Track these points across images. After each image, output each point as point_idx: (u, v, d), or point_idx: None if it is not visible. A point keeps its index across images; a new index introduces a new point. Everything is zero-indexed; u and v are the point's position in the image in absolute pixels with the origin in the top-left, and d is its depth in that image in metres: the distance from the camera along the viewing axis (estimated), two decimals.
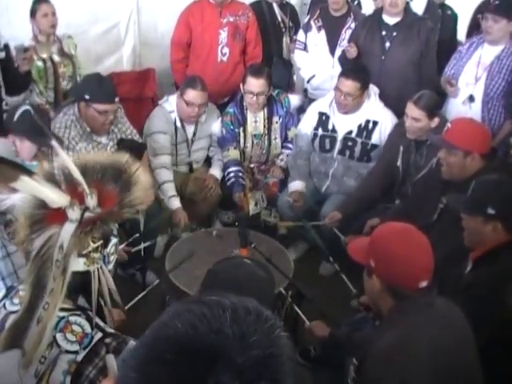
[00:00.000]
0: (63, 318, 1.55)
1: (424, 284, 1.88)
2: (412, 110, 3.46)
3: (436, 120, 3.42)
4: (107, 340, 1.55)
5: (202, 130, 4.12)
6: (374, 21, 4.24)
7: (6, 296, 1.65)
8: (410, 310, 1.87)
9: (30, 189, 1.51)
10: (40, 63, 3.86)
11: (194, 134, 4.09)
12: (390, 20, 4.17)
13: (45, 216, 1.53)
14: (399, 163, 3.60)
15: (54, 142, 1.54)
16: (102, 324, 1.60)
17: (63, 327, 1.54)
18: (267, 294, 1.81)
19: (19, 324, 1.51)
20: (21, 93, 3.79)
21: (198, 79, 3.93)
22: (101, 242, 1.59)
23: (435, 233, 2.60)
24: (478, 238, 2.43)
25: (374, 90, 4.01)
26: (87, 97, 3.36)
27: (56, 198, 1.52)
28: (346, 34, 4.42)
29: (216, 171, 4.16)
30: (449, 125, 3.04)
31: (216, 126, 4.18)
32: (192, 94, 3.87)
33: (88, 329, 1.56)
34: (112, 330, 1.60)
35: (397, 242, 1.93)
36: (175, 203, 3.84)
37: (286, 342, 0.86)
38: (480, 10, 4.17)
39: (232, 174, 4.05)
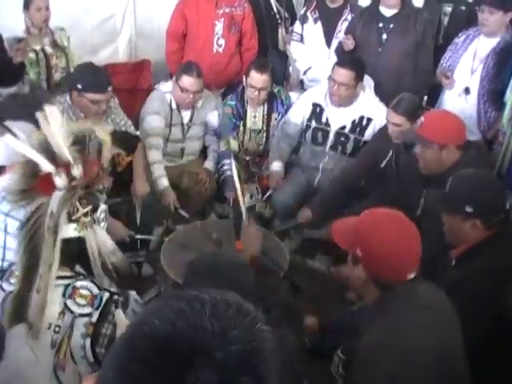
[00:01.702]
0: (69, 284, 1.62)
1: (412, 275, 1.83)
2: (392, 117, 3.41)
3: (419, 122, 3.32)
4: (115, 297, 1.63)
5: (199, 116, 4.07)
6: (370, 13, 4.24)
7: (1, 278, 1.69)
8: (396, 301, 1.81)
9: (23, 151, 1.59)
10: (32, 55, 3.83)
11: (191, 119, 4.05)
12: (386, 12, 4.16)
13: (34, 185, 1.60)
14: (383, 165, 3.54)
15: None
16: (103, 284, 1.67)
17: (71, 293, 1.61)
18: (248, 280, 1.79)
19: (19, 296, 1.56)
20: (14, 84, 3.74)
21: (193, 65, 3.89)
22: (90, 207, 1.65)
23: (419, 227, 2.60)
24: (458, 236, 2.43)
25: (369, 82, 3.99)
26: (80, 86, 3.33)
27: (43, 162, 1.59)
28: (342, 25, 4.39)
29: (210, 164, 4.13)
30: (422, 119, 3.00)
31: (213, 117, 4.15)
32: (187, 81, 3.83)
33: (96, 290, 1.63)
34: (115, 290, 1.67)
35: (387, 232, 1.83)
36: (163, 182, 3.81)
37: (268, 335, 0.85)
38: (477, 3, 4.15)
39: (226, 167, 3.99)
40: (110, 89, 3.37)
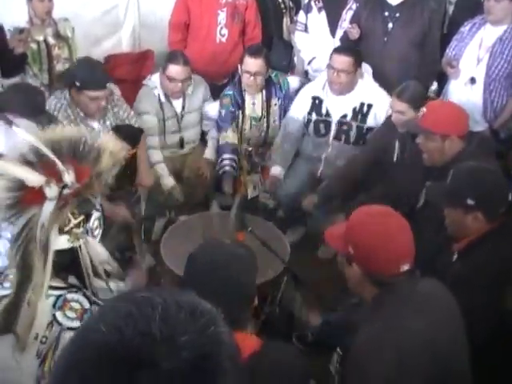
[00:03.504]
0: (60, 296, 1.57)
1: (406, 267, 1.80)
2: (396, 104, 3.39)
3: (420, 112, 3.28)
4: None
5: (191, 103, 4.05)
6: (376, 1, 4.16)
7: None
8: (394, 299, 1.80)
9: (3, 169, 1.51)
10: (34, 45, 3.84)
11: (183, 107, 4.03)
12: (392, 0, 4.08)
13: (22, 198, 1.52)
14: (395, 159, 3.50)
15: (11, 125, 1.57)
16: (97, 300, 1.61)
17: (62, 305, 1.56)
18: (249, 269, 1.78)
19: (10, 308, 1.51)
20: (16, 75, 3.78)
21: (179, 54, 3.88)
22: (82, 217, 1.60)
23: (422, 219, 2.58)
24: (460, 228, 2.40)
25: (366, 68, 3.95)
26: (78, 83, 3.32)
27: (31, 177, 1.51)
28: (347, 14, 4.32)
29: (210, 153, 4.12)
30: (424, 110, 2.97)
31: (212, 108, 4.13)
32: (174, 69, 3.81)
33: (87, 304, 1.58)
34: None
35: (374, 225, 1.84)
36: (168, 182, 3.85)
37: (225, 338, 0.78)
38: None
39: (226, 162, 3.96)
40: (108, 85, 3.37)
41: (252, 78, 3.92)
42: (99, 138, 1.63)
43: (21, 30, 3.60)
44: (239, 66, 3.98)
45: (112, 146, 1.61)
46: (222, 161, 3.99)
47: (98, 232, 1.68)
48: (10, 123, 2.67)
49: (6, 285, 1.60)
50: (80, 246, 1.59)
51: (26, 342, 1.48)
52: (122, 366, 0.72)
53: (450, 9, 4.45)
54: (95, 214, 1.65)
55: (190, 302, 0.79)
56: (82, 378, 0.72)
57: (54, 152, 1.53)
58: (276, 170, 3.93)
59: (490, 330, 2.17)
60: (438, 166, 2.92)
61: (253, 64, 3.88)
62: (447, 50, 4.00)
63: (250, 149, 4.08)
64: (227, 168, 3.94)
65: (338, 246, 1.95)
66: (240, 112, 4.08)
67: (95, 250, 1.64)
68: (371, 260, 1.82)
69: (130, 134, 3.39)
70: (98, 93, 3.33)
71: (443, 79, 4.23)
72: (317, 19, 4.45)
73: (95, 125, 3.50)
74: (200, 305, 0.80)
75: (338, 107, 3.88)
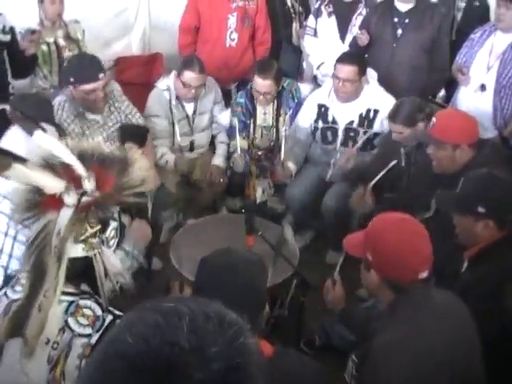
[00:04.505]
0: (73, 302, 1.57)
1: (424, 275, 1.83)
2: (391, 126, 3.38)
3: (421, 125, 3.25)
4: (118, 322, 1.51)
5: (202, 105, 4.03)
6: (385, 7, 4.18)
7: (6, 284, 1.66)
8: (410, 304, 1.82)
9: (23, 176, 1.52)
10: (44, 47, 3.84)
11: (195, 111, 4.02)
12: (402, 6, 4.10)
13: (40, 202, 1.53)
14: (403, 164, 3.46)
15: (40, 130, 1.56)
16: (109, 307, 1.61)
17: (74, 311, 1.55)
18: (262, 275, 1.79)
19: (20, 312, 1.51)
20: (27, 76, 3.79)
21: (195, 60, 3.85)
22: (99, 227, 1.59)
23: (432, 228, 2.57)
24: (470, 236, 2.38)
25: (371, 73, 3.94)
26: (72, 79, 3.32)
27: (50, 184, 1.51)
28: (356, 20, 4.33)
29: (220, 160, 4.09)
30: (434, 120, 2.96)
31: (224, 117, 4.13)
32: (189, 76, 3.80)
33: (99, 311, 1.57)
34: (120, 312, 1.60)
35: (393, 232, 1.87)
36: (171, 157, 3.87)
37: (254, 349, 0.78)
38: None
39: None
40: (101, 75, 3.32)
41: (262, 96, 3.93)
42: (128, 153, 1.62)
43: (32, 31, 3.60)
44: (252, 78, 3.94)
45: (142, 162, 1.61)
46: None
47: (114, 242, 1.68)
48: (35, 127, 2.65)
49: (18, 288, 1.60)
50: (95, 255, 1.59)
51: (35, 347, 1.47)
52: (150, 377, 0.71)
53: (459, 15, 4.44)
54: (112, 224, 1.65)
55: (218, 312, 0.79)
56: None
57: (80, 158, 1.54)
58: (290, 165, 3.91)
59: (499, 336, 2.15)
60: (448, 174, 2.91)
61: (262, 85, 3.87)
62: (457, 57, 3.99)
63: (260, 153, 4.07)
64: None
65: (357, 252, 1.98)
66: (251, 121, 4.08)
67: (109, 260, 1.64)
68: (389, 267, 1.85)
69: (137, 134, 3.39)
70: (93, 85, 3.30)
71: (452, 86, 4.22)
72: (327, 24, 4.43)
73: (98, 118, 3.49)
74: (228, 315, 0.80)
75: (344, 114, 3.88)
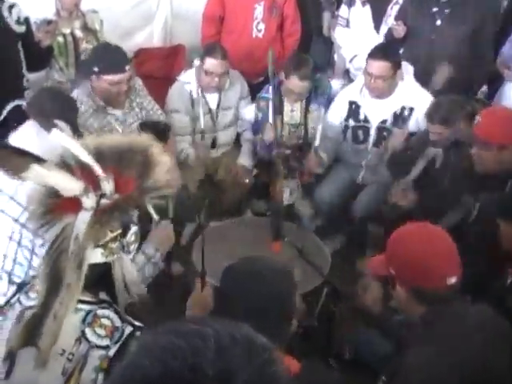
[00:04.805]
0: (90, 311, 1.53)
1: (453, 280, 1.77)
2: (429, 127, 3.23)
3: (461, 124, 3.08)
4: (137, 333, 1.53)
5: (227, 99, 3.94)
6: None
7: (19, 290, 1.61)
8: (441, 318, 1.78)
9: (41, 178, 1.48)
10: (60, 38, 3.74)
11: (218, 105, 3.92)
12: None
13: (57, 205, 1.49)
14: (438, 165, 3.31)
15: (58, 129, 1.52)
16: (128, 317, 1.57)
17: (92, 321, 1.52)
18: (290, 285, 1.78)
19: (34, 321, 1.48)
20: (42, 69, 3.67)
21: (218, 47, 3.79)
22: (119, 231, 1.57)
23: (473, 235, 2.45)
24: None
25: (406, 68, 3.76)
26: (96, 69, 3.23)
27: (68, 185, 1.48)
28: (392, 10, 4.16)
29: (245, 159, 3.97)
30: (478, 118, 2.80)
31: (249, 111, 3.99)
32: (211, 63, 3.71)
33: (117, 322, 1.53)
34: (139, 323, 1.57)
35: (411, 239, 1.86)
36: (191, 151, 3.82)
37: (283, 377, 0.72)
38: None
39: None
40: (128, 67, 3.24)
41: (295, 95, 3.80)
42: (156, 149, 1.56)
43: (48, 22, 3.48)
44: (283, 75, 3.77)
45: (166, 163, 1.55)
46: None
47: (134, 247, 1.66)
48: (52, 126, 2.54)
49: (32, 295, 1.56)
50: (114, 262, 1.57)
51: (48, 357, 1.44)
52: None
53: (505, 2, 4.22)
54: (133, 229, 1.63)
55: (246, 336, 0.74)
56: None
57: (97, 158, 1.49)
58: (323, 155, 3.76)
59: None
60: (492, 176, 2.79)
61: (299, 86, 3.71)
62: (502, 49, 3.76)
63: (288, 152, 3.89)
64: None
65: (381, 271, 1.96)
66: (278, 118, 3.90)
67: (128, 267, 1.62)
68: (412, 275, 1.81)
69: (158, 130, 3.26)
70: (118, 76, 3.22)
71: (495, 81, 3.99)
72: (360, 13, 4.29)
73: (119, 113, 3.41)
74: (257, 339, 0.74)
75: (377, 112, 3.71)
